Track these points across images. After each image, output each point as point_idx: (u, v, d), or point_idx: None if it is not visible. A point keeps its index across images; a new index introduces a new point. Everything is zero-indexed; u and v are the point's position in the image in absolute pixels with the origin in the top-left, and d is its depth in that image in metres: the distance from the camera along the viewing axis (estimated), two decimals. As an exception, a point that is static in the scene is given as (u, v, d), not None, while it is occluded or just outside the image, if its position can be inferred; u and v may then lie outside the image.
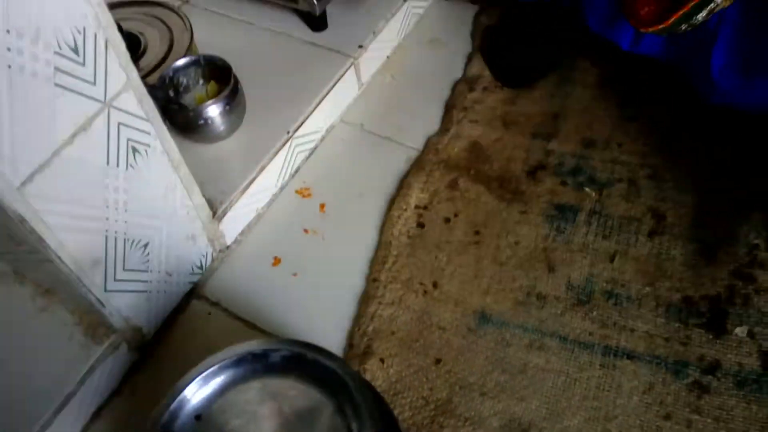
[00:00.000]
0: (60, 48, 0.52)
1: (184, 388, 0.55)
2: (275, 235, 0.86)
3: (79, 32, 0.54)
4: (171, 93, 0.88)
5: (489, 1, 1.12)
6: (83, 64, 0.55)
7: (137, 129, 0.63)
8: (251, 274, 0.82)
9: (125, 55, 0.59)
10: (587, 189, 0.86)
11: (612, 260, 0.78)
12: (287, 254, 0.84)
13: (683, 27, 0.70)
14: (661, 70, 0.91)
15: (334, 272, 0.81)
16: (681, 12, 0.68)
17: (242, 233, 0.87)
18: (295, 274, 0.82)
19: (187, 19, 0.97)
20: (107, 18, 0.56)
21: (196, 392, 0.56)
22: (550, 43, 1.02)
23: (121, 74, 0.60)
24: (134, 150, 0.64)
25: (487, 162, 0.91)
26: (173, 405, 0.55)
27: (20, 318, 0.73)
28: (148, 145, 0.65)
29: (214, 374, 0.56)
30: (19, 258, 0.69)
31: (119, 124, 0.61)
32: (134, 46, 0.94)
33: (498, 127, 0.95)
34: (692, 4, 0.67)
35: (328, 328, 0.76)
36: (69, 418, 0.68)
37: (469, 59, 1.05)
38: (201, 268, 0.82)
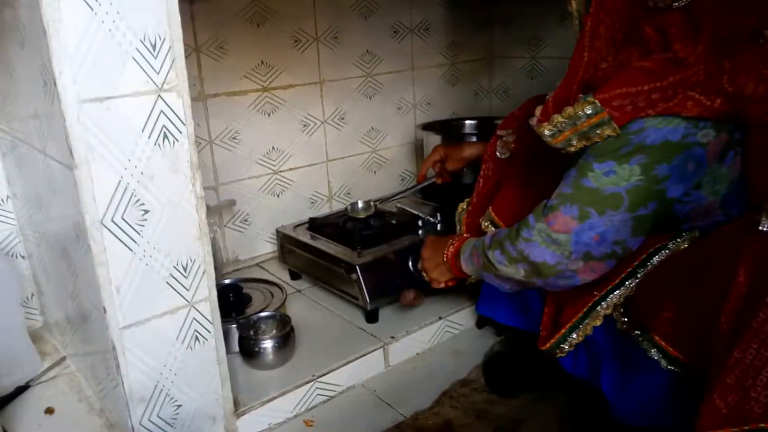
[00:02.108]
0: (176, 264, 0.98)
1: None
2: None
3: (191, 260, 1.00)
4: (251, 332, 1.30)
5: (503, 332, 1.45)
6: (186, 277, 1.00)
7: (203, 326, 1.04)
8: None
9: (212, 281, 1.04)
10: (518, 476, 1.04)
11: None
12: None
13: (565, 347, 0.99)
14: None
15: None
16: (557, 336, 0.99)
17: (253, 437, 1.16)
18: (272, 473, 1.07)
19: (285, 292, 1.45)
20: (210, 260, 1.03)
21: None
22: (537, 367, 1.28)
23: (205, 291, 1.03)
24: (196, 338, 1.04)
25: (449, 437, 1.14)
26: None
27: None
28: (206, 339, 1.05)
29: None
30: (105, 387, 1.08)
31: (193, 319, 1.03)
32: (247, 300, 1.43)
33: (471, 416, 1.19)
34: (561, 333, 0.98)
35: None
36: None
37: (474, 368, 1.35)
38: (212, 448, 1.11)
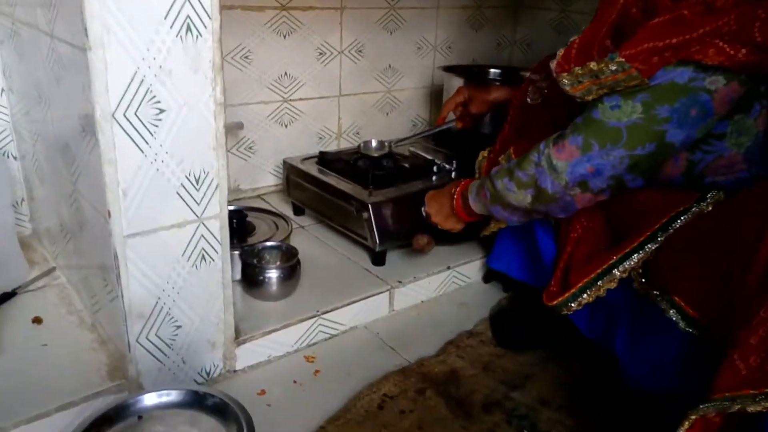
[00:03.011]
0: (188, 174, 0.90)
1: (141, 394, 0.78)
2: (274, 375, 1.08)
3: (205, 172, 0.92)
4: (254, 261, 1.23)
5: (512, 289, 1.40)
6: (198, 189, 0.92)
7: (210, 245, 0.97)
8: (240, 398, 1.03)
9: (224, 198, 0.96)
10: (525, 431, 1.00)
11: (518, 484, 0.89)
12: (273, 390, 1.05)
13: (573, 306, 0.95)
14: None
15: (302, 413, 0.99)
16: (566, 294, 0.95)
17: (251, 367, 1.10)
18: (269, 405, 1.02)
19: (291, 224, 1.38)
20: (223, 175, 0.95)
21: (146, 401, 0.78)
22: (545, 325, 1.24)
23: (216, 208, 0.96)
24: (202, 257, 0.97)
25: (456, 386, 1.09)
26: (129, 400, 0.77)
27: (80, 348, 1.01)
28: (212, 259, 0.98)
29: (166, 395, 0.78)
30: (100, 300, 1.01)
31: (201, 236, 0.95)
32: (251, 228, 1.36)
33: (478, 368, 1.14)
34: (571, 291, 0.95)
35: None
36: (63, 419, 0.89)
37: (480, 321, 1.30)
38: (207, 375, 1.05)
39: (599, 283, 0.97)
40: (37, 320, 1.09)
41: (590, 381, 1.12)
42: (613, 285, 0.96)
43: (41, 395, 0.91)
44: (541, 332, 1.23)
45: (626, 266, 0.94)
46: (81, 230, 1.02)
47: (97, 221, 0.91)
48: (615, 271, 0.96)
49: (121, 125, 0.82)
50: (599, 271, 0.97)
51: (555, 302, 1.02)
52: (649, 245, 0.93)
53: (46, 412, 0.89)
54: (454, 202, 1.19)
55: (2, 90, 1.27)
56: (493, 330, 1.26)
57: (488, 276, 1.47)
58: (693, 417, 0.70)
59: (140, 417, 0.76)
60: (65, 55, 0.86)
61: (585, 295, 0.99)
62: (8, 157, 1.30)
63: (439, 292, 1.39)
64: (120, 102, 0.81)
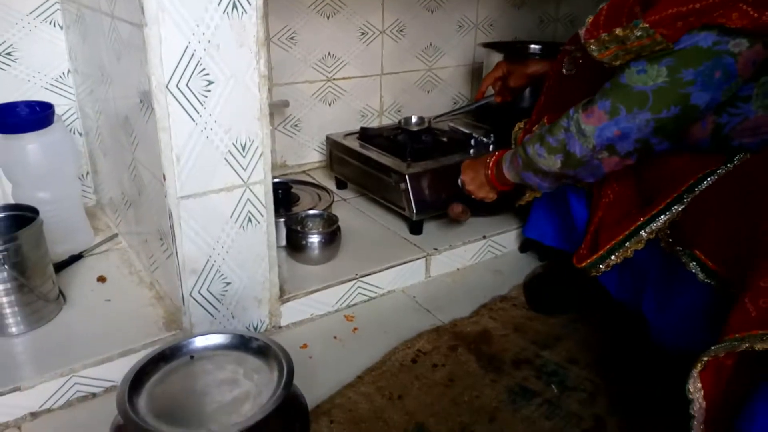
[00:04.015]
0: (235, 142, 0.98)
1: (193, 337, 0.86)
2: (315, 331, 1.16)
3: (250, 140, 1.00)
4: (297, 227, 1.30)
5: (547, 258, 1.43)
6: (244, 156, 1.00)
7: (256, 209, 1.05)
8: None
9: (269, 165, 1.04)
10: (553, 386, 1.04)
11: (543, 432, 0.94)
12: (314, 345, 1.12)
13: (602, 267, 0.98)
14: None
15: (341, 365, 1.07)
16: (595, 256, 0.98)
17: (294, 324, 1.18)
18: (311, 357, 1.09)
19: (332, 196, 1.45)
20: (268, 142, 1.02)
21: (198, 343, 0.86)
22: (577, 290, 1.27)
23: (261, 173, 1.03)
24: (249, 219, 1.05)
25: (487, 344, 1.14)
26: (182, 342, 0.85)
27: (140, 303, 1.11)
28: (258, 222, 1.06)
29: (214, 339, 0.87)
30: (157, 260, 1.10)
31: (247, 200, 1.03)
32: (295, 198, 1.44)
33: (510, 329, 1.19)
34: (599, 254, 0.98)
35: (320, 393, 0.99)
36: (125, 363, 0.99)
37: (514, 287, 1.34)
38: (255, 329, 1.14)
39: (627, 244, 1.00)
40: (101, 279, 1.19)
41: (619, 342, 1.15)
42: (640, 246, 0.99)
43: (106, 343, 1.02)
44: (572, 297, 1.26)
45: (653, 227, 0.97)
46: (140, 195, 1.11)
47: (154, 185, 1.00)
48: (642, 232, 0.98)
49: (174, 96, 0.90)
50: (627, 233, 1.00)
51: (584, 264, 1.06)
52: (675, 206, 0.95)
53: (110, 356, 0.99)
54: (489, 171, 1.23)
55: (68, 71, 1.38)
56: (526, 294, 1.30)
57: (524, 246, 1.50)
58: (705, 358, 0.74)
59: (192, 357, 0.85)
60: (124, 33, 0.95)
61: (613, 257, 1.02)
62: (74, 133, 1.42)
63: (474, 261, 1.44)
64: (173, 74, 0.89)
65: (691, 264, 0.90)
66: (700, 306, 0.93)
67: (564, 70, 1.24)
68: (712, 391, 0.75)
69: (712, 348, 0.73)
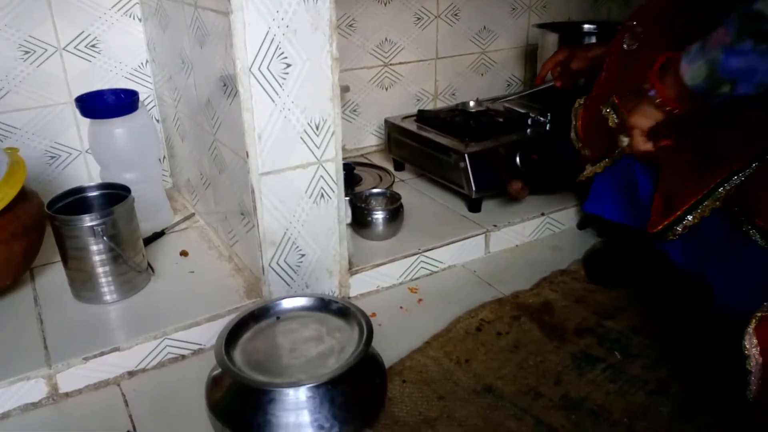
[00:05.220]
0: (310, 121, 1.05)
1: (279, 299, 0.93)
2: (382, 302, 1.22)
3: (323, 120, 1.06)
4: (362, 205, 1.37)
5: (606, 233, 1.46)
6: (318, 135, 1.07)
7: (328, 185, 1.11)
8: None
9: (339, 144, 1.10)
10: (616, 353, 1.07)
11: (609, 394, 0.97)
12: (382, 314, 1.19)
13: (678, 229, 1.00)
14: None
15: (408, 332, 1.13)
16: (671, 218, 1.00)
17: (362, 295, 1.25)
18: (380, 325, 1.16)
19: (393, 176, 1.51)
20: (339, 122, 1.08)
21: (284, 305, 0.93)
22: (639, 262, 1.29)
23: (332, 152, 1.10)
24: (321, 195, 1.11)
25: (549, 314, 1.18)
26: (270, 303, 0.93)
27: (221, 275, 1.20)
28: (330, 197, 1.12)
29: (298, 301, 0.94)
30: (237, 234, 1.18)
31: (320, 177, 1.10)
32: (357, 179, 1.50)
33: (571, 300, 1.23)
34: (676, 215, 0.98)
35: (390, 357, 1.05)
36: (212, 327, 1.07)
37: (574, 262, 1.37)
38: (326, 300, 1.21)
39: (705, 203, 1.01)
40: (183, 253, 1.28)
41: (680, 311, 1.17)
42: (718, 204, 1.00)
43: (193, 309, 1.10)
44: (633, 270, 1.29)
45: (732, 183, 0.97)
46: (220, 174, 1.19)
47: (237, 163, 1.07)
48: (720, 189, 0.99)
49: (256, 78, 0.97)
50: (706, 191, 1.01)
51: (660, 227, 1.07)
52: (755, 163, 0.94)
53: (198, 321, 1.08)
54: (652, 74, 0.93)
55: (146, 61, 1.47)
56: (586, 268, 1.33)
57: (583, 223, 1.53)
58: (759, 314, 0.76)
59: (278, 318, 0.92)
60: (208, 22, 1.02)
61: (690, 217, 1.03)
62: (152, 119, 1.51)
63: (533, 237, 1.47)
64: (255, 58, 0.96)
65: (751, 231, 0.92)
66: (760, 269, 0.95)
67: (625, 46, 1.26)
68: None
69: (765, 303, 0.75)
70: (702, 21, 1.11)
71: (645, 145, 0.99)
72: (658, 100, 0.91)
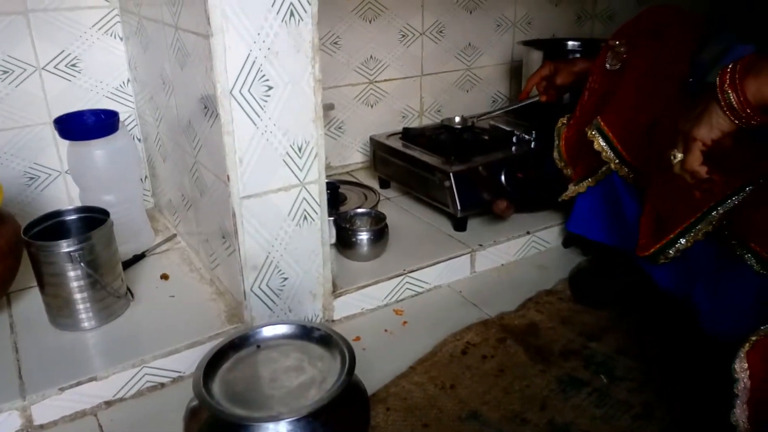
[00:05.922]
0: (292, 144, 1.03)
1: (260, 327, 0.92)
2: (367, 324, 1.21)
3: (306, 142, 1.05)
4: (347, 225, 1.35)
5: (591, 252, 1.45)
6: (300, 157, 1.05)
7: (311, 207, 1.10)
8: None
9: (323, 165, 1.09)
10: (602, 376, 1.07)
11: (594, 419, 0.96)
12: (366, 337, 1.17)
13: (671, 253, 0.99)
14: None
15: (393, 356, 1.11)
16: (663, 241, 0.99)
17: (346, 317, 1.23)
18: (364, 349, 1.14)
19: (378, 195, 1.50)
20: (322, 143, 1.07)
21: (264, 333, 0.91)
22: (624, 284, 1.29)
23: (315, 174, 1.08)
24: (304, 217, 1.10)
25: (535, 336, 1.17)
26: (250, 332, 0.91)
27: (202, 299, 1.17)
28: (313, 219, 1.11)
29: (279, 329, 0.92)
30: (218, 257, 1.16)
31: (303, 199, 1.09)
32: (342, 198, 1.49)
33: (556, 321, 1.22)
34: (669, 238, 0.97)
35: (374, 383, 1.03)
36: (191, 355, 1.05)
37: (559, 281, 1.36)
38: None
39: (699, 226, 1.00)
40: (164, 276, 1.26)
41: (666, 332, 1.17)
42: (710, 228, 0.99)
43: (173, 335, 1.08)
44: (618, 289, 1.28)
45: (726, 206, 0.96)
46: (201, 197, 1.17)
47: (218, 186, 1.06)
48: (714, 212, 0.98)
49: (237, 101, 0.95)
50: (699, 215, 1.00)
51: (652, 250, 1.06)
52: (749, 187, 0.94)
53: (177, 348, 1.05)
54: (728, 84, 0.78)
55: (128, 80, 1.46)
56: (572, 288, 1.33)
57: (568, 241, 1.52)
58: (754, 338, 0.76)
59: (259, 346, 0.90)
60: (189, 43, 1.01)
61: (683, 240, 1.02)
62: (134, 139, 1.49)
63: (518, 256, 1.47)
64: (236, 80, 0.94)
65: (746, 256, 0.92)
66: (752, 294, 0.94)
67: (607, 65, 1.26)
68: (759, 371, 0.77)
69: (762, 327, 0.75)
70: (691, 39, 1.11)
71: (700, 166, 0.84)
72: (735, 106, 0.77)
